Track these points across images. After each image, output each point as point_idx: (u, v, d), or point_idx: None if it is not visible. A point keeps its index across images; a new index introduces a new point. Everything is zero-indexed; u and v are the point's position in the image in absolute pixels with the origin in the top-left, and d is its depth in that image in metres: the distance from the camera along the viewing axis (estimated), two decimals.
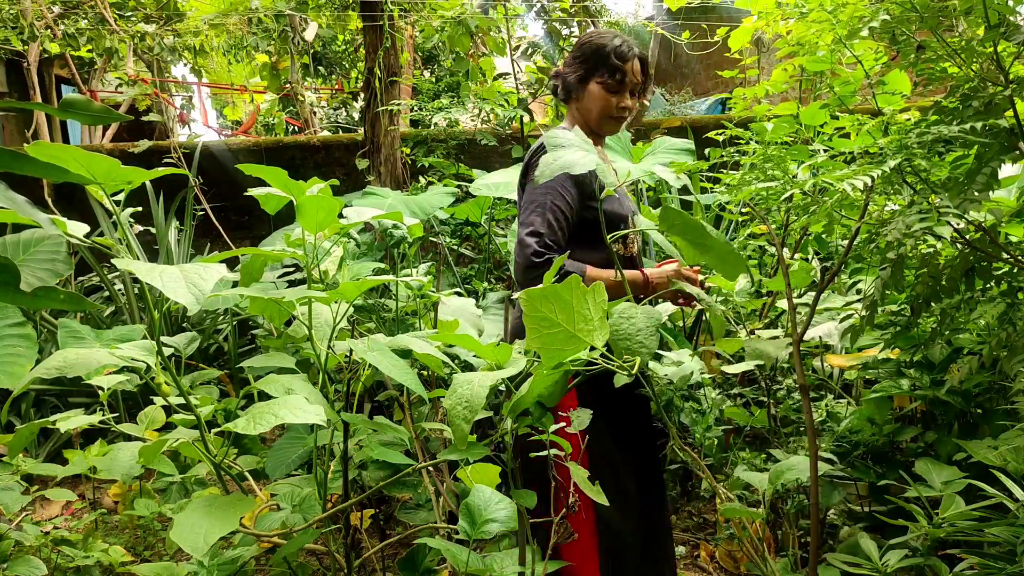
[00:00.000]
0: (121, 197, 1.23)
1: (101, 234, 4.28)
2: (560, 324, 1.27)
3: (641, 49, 1.96)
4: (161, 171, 1.26)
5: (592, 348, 1.28)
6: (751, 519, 2.09)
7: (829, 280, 1.67)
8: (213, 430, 1.40)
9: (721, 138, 2.21)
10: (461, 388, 1.29)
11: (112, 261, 1.13)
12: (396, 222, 2.33)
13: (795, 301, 1.76)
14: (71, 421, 1.47)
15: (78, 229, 1.24)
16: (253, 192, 1.46)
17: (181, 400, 1.34)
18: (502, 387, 1.46)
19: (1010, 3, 1.36)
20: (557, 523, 1.53)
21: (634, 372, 1.30)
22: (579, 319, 1.27)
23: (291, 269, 4.05)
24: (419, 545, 1.63)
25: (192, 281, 1.05)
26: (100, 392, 1.57)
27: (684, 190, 4.50)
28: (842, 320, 2.27)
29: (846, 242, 1.72)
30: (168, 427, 1.62)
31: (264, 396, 1.34)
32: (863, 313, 1.67)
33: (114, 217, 1.23)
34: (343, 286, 1.37)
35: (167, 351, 1.35)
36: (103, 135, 7.34)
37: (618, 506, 1.60)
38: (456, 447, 1.43)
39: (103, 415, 1.56)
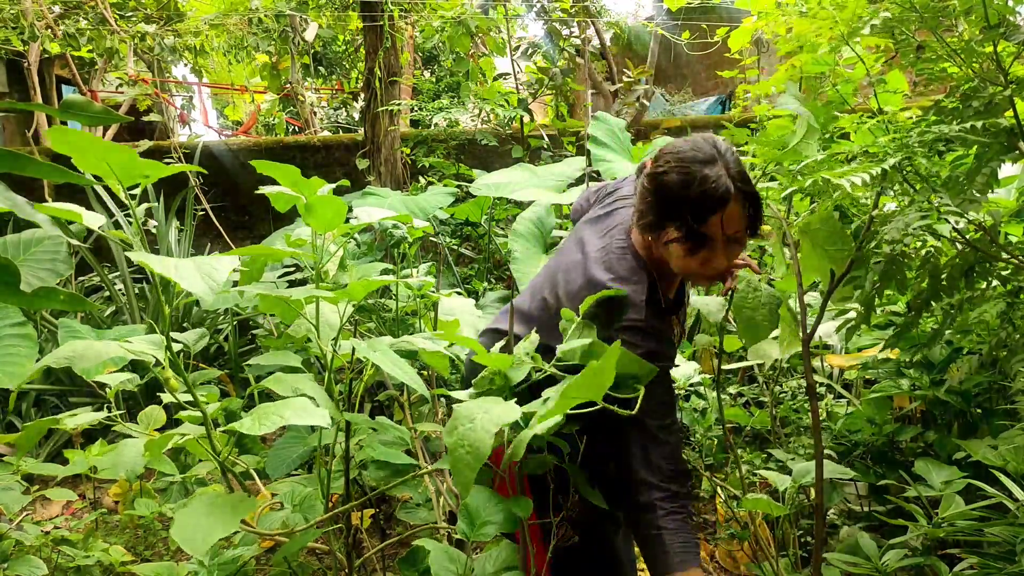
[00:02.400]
0: (138, 191, 1.22)
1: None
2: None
3: (747, 183, 1.33)
4: (176, 168, 1.24)
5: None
6: (755, 518, 2.09)
7: (839, 281, 1.67)
8: (217, 429, 1.40)
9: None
10: (463, 427, 1.19)
11: (127, 254, 1.13)
12: (395, 222, 2.33)
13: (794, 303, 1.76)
14: (78, 418, 1.48)
15: (94, 220, 1.24)
16: (264, 190, 1.45)
17: (188, 397, 1.34)
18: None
19: (1010, 3, 1.36)
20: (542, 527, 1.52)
21: (634, 410, 1.25)
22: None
23: (291, 269, 4.05)
24: (419, 544, 1.63)
25: (206, 272, 1.06)
26: (107, 389, 1.58)
27: None
28: (836, 316, 2.27)
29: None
30: (169, 427, 1.62)
31: (266, 396, 1.34)
32: (857, 308, 1.67)
33: (116, 216, 1.23)
34: (352, 286, 1.37)
35: (176, 347, 1.35)
36: (104, 135, 7.34)
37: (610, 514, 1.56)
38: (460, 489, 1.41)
39: (108, 412, 1.56)
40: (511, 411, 1.21)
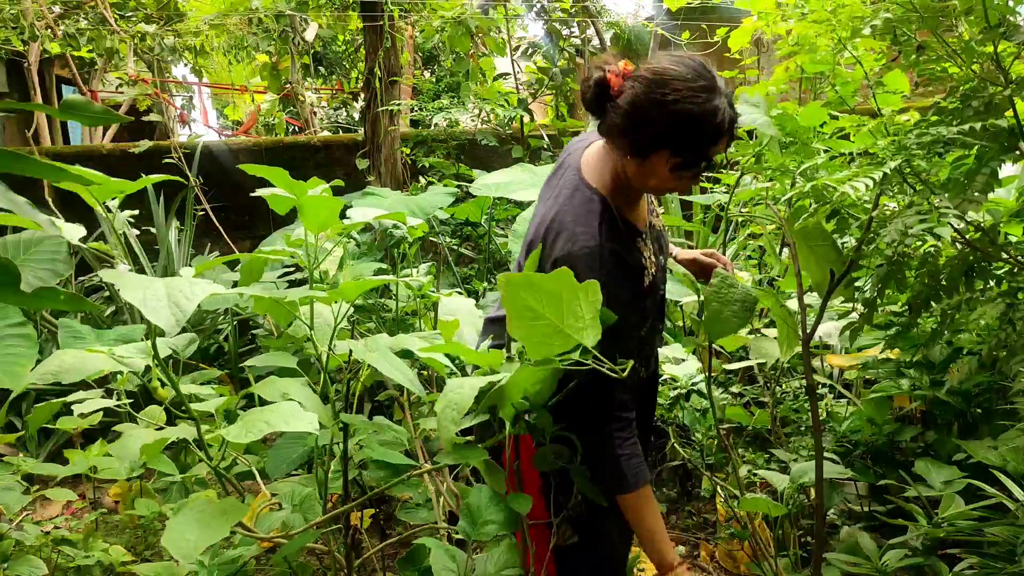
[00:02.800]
0: (114, 203, 1.24)
1: (102, 234, 4.28)
2: (546, 317, 1.18)
3: (734, 109, 1.40)
4: (155, 177, 1.27)
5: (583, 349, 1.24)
6: (755, 518, 2.09)
7: (839, 281, 1.67)
8: (215, 431, 1.40)
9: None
10: (451, 392, 1.28)
11: (100, 272, 1.14)
12: (396, 222, 2.33)
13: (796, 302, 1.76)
14: (87, 404, 1.48)
15: (74, 232, 1.25)
16: (261, 192, 1.45)
17: (180, 402, 1.34)
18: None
19: (1010, 3, 1.36)
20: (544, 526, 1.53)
21: (624, 374, 1.28)
22: (568, 314, 1.18)
23: (291, 269, 4.05)
24: (419, 545, 1.63)
25: (175, 300, 1.05)
26: (118, 378, 1.59)
27: None
28: (840, 318, 2.27)
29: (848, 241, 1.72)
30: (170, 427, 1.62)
31: (264, 399, 1.35)
32: (861, 310, 1.67)
33: (113, 220, 1.24)
34: (343, 286, 1.37)
35: (165, 352, 1.35)
36: (103, 135, 7.34)
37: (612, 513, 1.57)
38: (453, 450, 1.43)
39: (116, 402, 1.57)
40: (497, 377, 1.29)
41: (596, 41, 5.53)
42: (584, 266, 1.35)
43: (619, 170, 1.45)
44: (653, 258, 1.53)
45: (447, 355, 1.57)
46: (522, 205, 3.42)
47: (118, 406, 1.53)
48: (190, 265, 2.07)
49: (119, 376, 1.59)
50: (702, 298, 1.79)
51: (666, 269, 1.64)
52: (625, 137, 1.39)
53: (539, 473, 1.55)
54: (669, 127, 1.34)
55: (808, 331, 1.64)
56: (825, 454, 2.11)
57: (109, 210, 1.23)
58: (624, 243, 1.46)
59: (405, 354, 1.54)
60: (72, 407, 1.49)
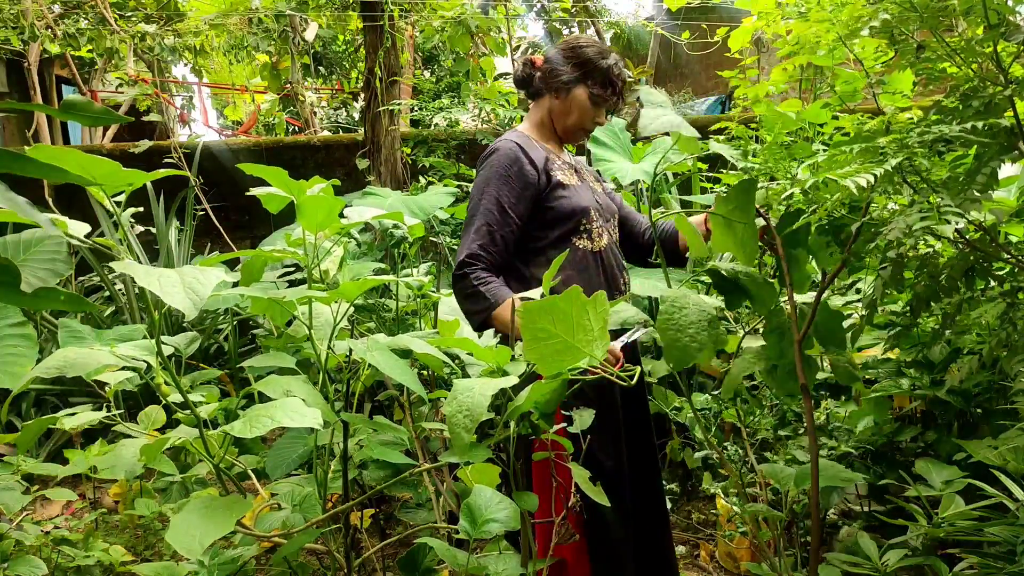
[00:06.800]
0: (122, 198, 1.23)
1: (102, 234, 4.28)
2: (558, 335, 1.24)
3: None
4: (162, 172, 1.26)
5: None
6: (752, 519, 2.09)
7: (830, 280, 1.67)
8: (216, 430, 1.40)
9: (722, 137, 2.22)
10: (461, 395, 1.27)
11: (111, 264, 1.13)
12: (396, 222, 2.33)
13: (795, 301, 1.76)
14: (77, 417, 1.47)
15: (79, 229, 1.24)
16: (255, 191, 1.46)
17: (181, 400, 1.34)
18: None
19: (1010, 3, 1.36)
20: (557, 524, 1.53)
21: (633, 382, 1.29)
22: (579, 330, 1.23)
23: (291, 269, 4.05)
24: (419, 545, 1.63)
25: (190, 286, 1.05)
26: (106, 388, 1.58)
27: (684, 189, 4.50)
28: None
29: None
30: (169, 427, 1.61)
31: (265, 397, 1.34)
32: (862, 312, 1.67)
33: (115, 217, 1.23)
34: (344, 286, 1.37)
35: (167, 351, 1.35)
36: (103, 135, 7.34)
37: (609, 512, 1.58)
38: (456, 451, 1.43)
39: (108, 412, 1.56)
40: (507, 381, 1.31)
41: None
42: (495, 158, 1.80)
43: (543, 117, 1.94)
44: (576, 179, 1.91)
45: (447, 353, 1.57)
46: None
47: (108, 418, 1.52)
48: (190, 264, 2.07)
49: (107, 388, 1.58)
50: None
51: (604, 198, 2.00)
52: (549, 83, 1.90)
53: (544, 472, 1.56)
54: (577, 66, 1.87)
55: (802, 331, 1.64)
56: (838, 458, 2.11)
57: (117, 204, 1.22)
58: (532, 148, 1.84)
59: (405, 354, 1.54)
60: (65, 420, 1.48)
